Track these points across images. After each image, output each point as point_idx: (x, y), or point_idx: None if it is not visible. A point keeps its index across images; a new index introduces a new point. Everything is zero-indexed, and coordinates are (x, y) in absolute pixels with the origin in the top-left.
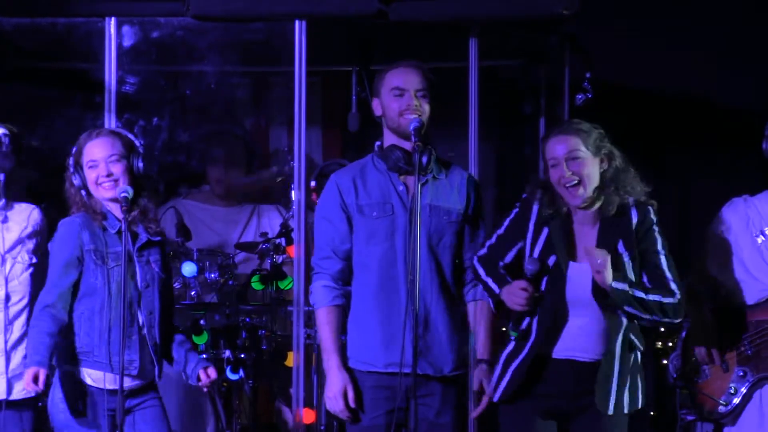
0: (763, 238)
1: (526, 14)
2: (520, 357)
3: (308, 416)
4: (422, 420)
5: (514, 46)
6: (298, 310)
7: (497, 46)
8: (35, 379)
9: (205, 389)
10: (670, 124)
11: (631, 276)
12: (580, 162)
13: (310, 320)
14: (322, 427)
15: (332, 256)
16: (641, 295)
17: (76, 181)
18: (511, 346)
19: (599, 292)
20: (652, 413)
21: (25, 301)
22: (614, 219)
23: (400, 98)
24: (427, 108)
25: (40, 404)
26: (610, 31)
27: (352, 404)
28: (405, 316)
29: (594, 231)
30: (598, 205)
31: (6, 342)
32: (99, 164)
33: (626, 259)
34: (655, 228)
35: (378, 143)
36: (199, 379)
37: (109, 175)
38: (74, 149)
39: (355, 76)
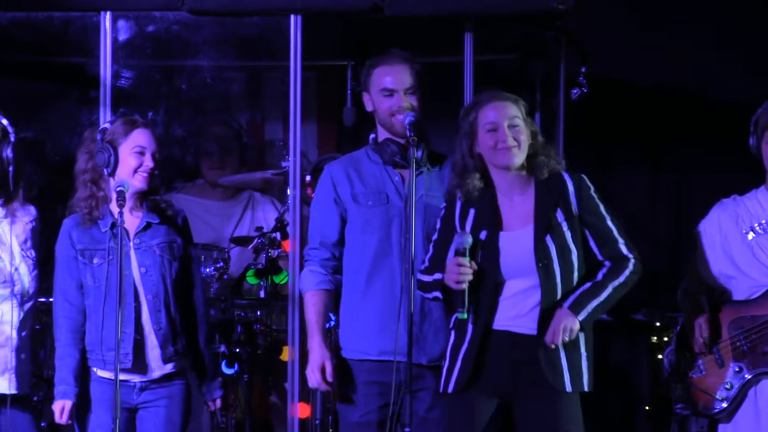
0: (753, 235)
1: (521, 9)
2: (466, 341)
3: (303, 411)
4: (413, 415)
5: (509, 40)
6: (294, 304)
7: (493, 41)
8: (62, 412)
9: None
10: (665, 119)
11: (571, 245)
12: (518, 129)
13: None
14: (317, 422)
15: (320, 247)
16: (603, 297)
17: (102, 157)
18: (452, 337)
19: (541, 258)
20: (647, 407)
21: (34, 299)
22: (549, 185)
23: (391, 98)
24: (417, 103)
25: (36, 399)
26: (605, 26)
27: (329, 378)
28: (399, 305)
29: (527, 198)
30: (524, 171)
31: (19, 338)
32: (147, 153)
33: (565, 228)
34: (594, 194)
35: (372, 136)
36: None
37: (155, 167)
38: (107, 127)
39: (350, 71)
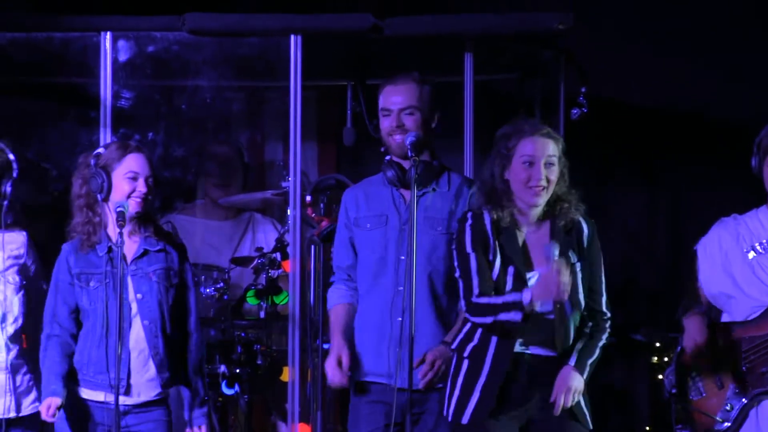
0: (754, 254)
1: (521, 29)
2: (484, 372)
3: (303, 431)
4: None
5: (509, 60)
6: (294, 324)
7: (492, 61)
8: (48, 409)
9: None
10: (663, 137)
11: (579, 283)
12: (553, 169)
13: (305, 335)
14: None
15: (338, 270)
16: (595, 355)
17: (96, 182)
18: (465, 366)
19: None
20: (647, 428)
21: (20, 321)
22: (567, 231)
23: (388, 118)
24: (415, 124)
25: None
26: (605, 46)
27: (345, 368)
28: (391, 329)
29: (542, 235)
30: (547, 213)
31: (8, 361)
32: (140, 179)
33: (578, 268)
34: (598, 242)
35: (388, 157)
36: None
37: (148, 192)
38: (101, 152)
39: (350, 91)
